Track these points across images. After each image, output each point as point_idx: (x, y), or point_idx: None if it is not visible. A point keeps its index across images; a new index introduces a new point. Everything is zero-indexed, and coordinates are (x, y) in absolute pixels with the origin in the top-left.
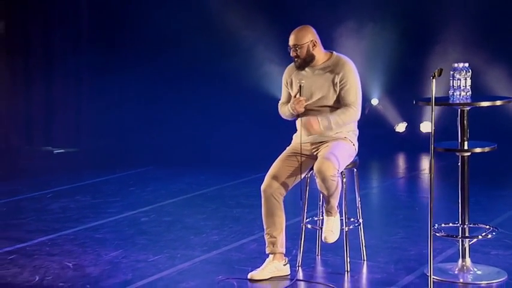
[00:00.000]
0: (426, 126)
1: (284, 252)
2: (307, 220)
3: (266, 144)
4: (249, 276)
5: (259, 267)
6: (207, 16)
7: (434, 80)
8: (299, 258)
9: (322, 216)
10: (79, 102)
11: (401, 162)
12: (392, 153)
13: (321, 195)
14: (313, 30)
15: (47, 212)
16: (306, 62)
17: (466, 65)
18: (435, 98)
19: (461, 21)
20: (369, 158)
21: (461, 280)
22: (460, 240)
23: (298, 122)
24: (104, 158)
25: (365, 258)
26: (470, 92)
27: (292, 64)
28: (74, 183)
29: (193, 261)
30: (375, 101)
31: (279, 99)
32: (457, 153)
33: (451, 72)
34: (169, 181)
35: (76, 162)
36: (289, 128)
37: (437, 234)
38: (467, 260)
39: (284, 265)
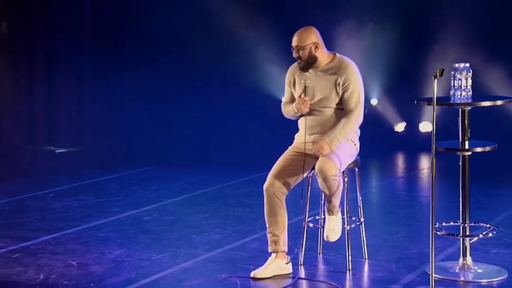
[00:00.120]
0: (425, 126)
1: (286, 250)
2: (309, 219)
3: (266, 143)
4: (251, 275)
5: (261, 265)
6: (208, 17)
7: (436, 80)
8: (301, 257)
9: (324, 215)
10: (81, 102)
11: (400, 161)
12: (391, 152)
13: (323, 194)
14: (317, 32)
15: (50, 211)
16: (308, 63)
17: (467, 65)
18: (436, 98)
19: (460, 21)
20: (368, 157)
21: (462, 278)
22: (461, 238)
23: (300, 122)
24: (106, 157)
25: (366, 257)
26: (471, 92)
27: (296, 64)
28: (76, 183)
29: (196, 259)
30: (374, 101)
31: (280, 99)
32: (458, 153)
33: (452, 73)
34: (171, 180)
35: (78, 161)
36: (290, 127)
37: (438, 233)
38: (468, 258)
39: (286, 263)
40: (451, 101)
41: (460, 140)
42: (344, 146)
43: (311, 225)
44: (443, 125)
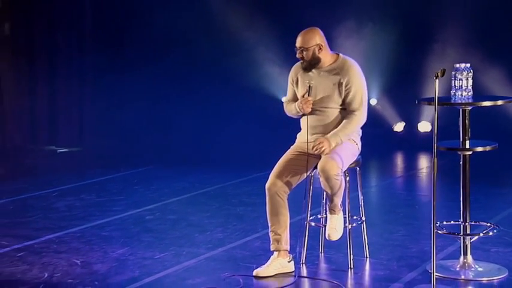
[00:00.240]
0: (424, 126)
1: (288, 249)
2: (311, 218)
3: (267, 143)
4: (254, 273)
5: (263, 264)
6: (209, 17)
7: (437, 80)
8: (303, 256)
9: (326, 214)
10: (82, 102)
11: (399, 161)
12: (390, 152)
13: (325, 193)
14: (321, 33)
15: (53, 210)
16: (311, 64)
17: (468, 65)
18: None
19: (460, 21)
20: (367, 157)
21: (462, 277)
22: (462, 237)
23: (302, 121)
24: (107, 157)
25: (368, 256)
26: (471, 92)
27: (299, 63)
28: (78, 182)
29: (198, 258)
30: (373, 101)
31: (280, 99)
32: (459, 152)
33: (453, 73)
34: (172, 180)
35: (80, 161)
36: (289, 127)
37: (439, 231)
38: (469, 257)
39: (288, 262)
40: (452, 101)
41: (461, 140)
42: (346, 146)
43: (313, 224)
44: (443, 124)
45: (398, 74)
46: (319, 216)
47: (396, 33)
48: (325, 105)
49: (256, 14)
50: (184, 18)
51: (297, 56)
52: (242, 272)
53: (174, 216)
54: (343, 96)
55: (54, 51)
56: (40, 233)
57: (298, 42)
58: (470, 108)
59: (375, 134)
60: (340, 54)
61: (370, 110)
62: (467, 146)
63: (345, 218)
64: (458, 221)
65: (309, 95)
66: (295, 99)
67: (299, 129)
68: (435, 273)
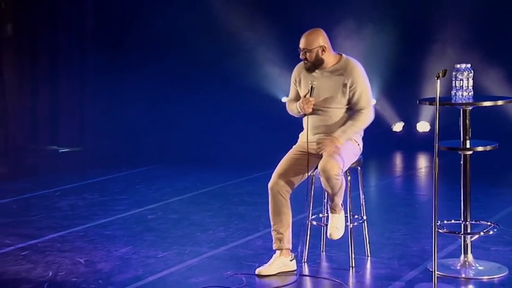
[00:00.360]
0: (423, 126)
1: (291, 248)
2: (313, 217)
3: (267, 143)
4: (256, 272)
5: (266, 263)
6: (209, 17)
7: (438, 80)
8: (305, 254)
9: (327, 213)
10: (84, 102)
11: (398, 161)
12: (389, 152)
13: (326, 193)
14: (324, 34)
15: (55, 209)
16: (315, 65)
17: (469, 65)
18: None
19: (459, 21)
20: (367, 156)
21: (463, 275)
22: (462, 236)
23: (304, 121)
24: (108, 157)
25: (369, 254)
26: (472, 92)
27: (302, 63)
28: (80, 182)
29: (201, 257)
30: (372, 101)
31: (280, 99)
32: (460, 152)
33: (454, 73)
34: (174, 179)
35: (81, 161)
36: (289, 127)
37: (440, 230)
38: (469, 255)
39: (291, 261)
40: (453, 101)
41: (462, 140)
42: (347, 146)
43: (314, 223)
44: (442, 124)
45: (397, 74)
46: (320, 215)
47: (396, 34)
48: (328, 106)
49: (256, 14)
50: (184, 18)
51: (301, 57)
52: (245, 270)
53: (176, 215)
54: (347, 97)
55: (55, 52)
56: (44, 232)
57: (302, 43)
58: (470, 108)
59: (374, 133)
60: (343, 55)
61: None
62: (468, 146)
63: (346, 217)
64: (459, 220)
65: (310, 96)
66: (297, 98)
67: (301, 129)
68: (436, 272)
